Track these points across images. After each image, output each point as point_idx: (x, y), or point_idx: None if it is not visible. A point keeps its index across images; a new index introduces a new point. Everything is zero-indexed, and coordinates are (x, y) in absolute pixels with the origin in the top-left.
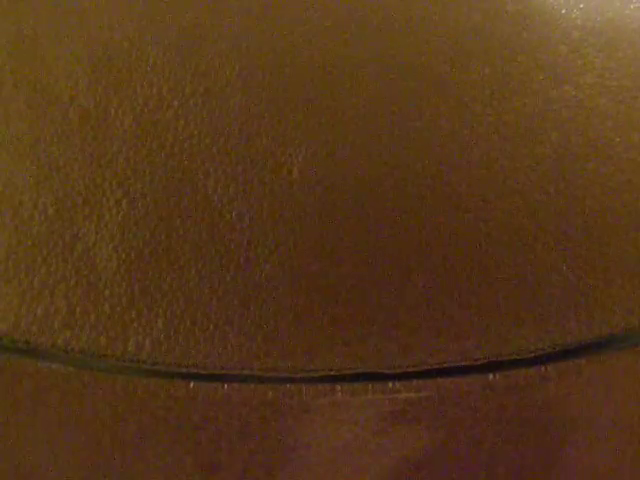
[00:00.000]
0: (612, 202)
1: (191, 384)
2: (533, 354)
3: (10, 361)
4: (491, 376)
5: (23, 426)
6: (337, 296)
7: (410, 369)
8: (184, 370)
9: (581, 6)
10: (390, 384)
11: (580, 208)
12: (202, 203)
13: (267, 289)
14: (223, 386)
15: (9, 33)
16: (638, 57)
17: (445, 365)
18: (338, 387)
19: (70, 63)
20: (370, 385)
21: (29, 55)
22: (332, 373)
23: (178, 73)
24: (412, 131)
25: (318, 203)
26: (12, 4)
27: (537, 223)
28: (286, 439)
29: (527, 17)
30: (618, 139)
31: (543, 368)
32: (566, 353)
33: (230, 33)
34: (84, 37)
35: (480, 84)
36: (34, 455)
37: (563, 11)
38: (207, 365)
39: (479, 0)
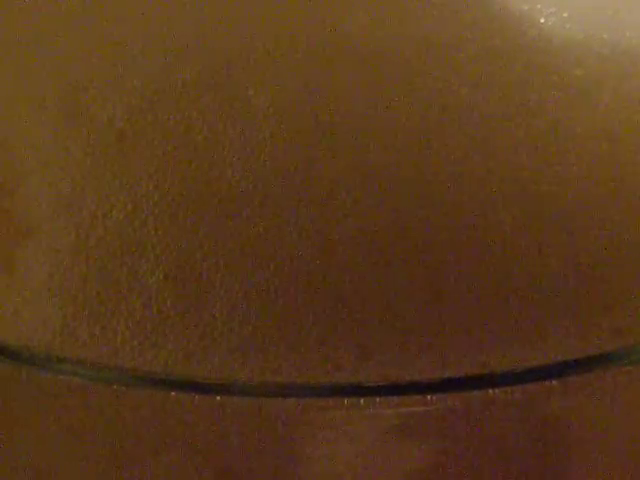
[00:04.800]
0: (624, 221)
1: (206, 397)
2: (538, 368)
3: (29, 372)
4: (497, 391)
5: (42, 434)
6: (347, 312)
7: (416, 383)
8: (200, 382)
9: (592, 33)
10: (396, 398)
11: (593, 224)
12: (234, 226)
13: (281, 305)
14: (236, 398)
15: (52, 60)
16: None
17: (451, 379)
18: (346, 401)
19: (105, 89)
20: (377, 399)
21: (68, 80)
22: (341, 386)
23: (209, 99)
24: (437, 142)
25: (352, 228)
26: (50, 33)
27: (545, 239)
28: (298, 450)
29: (544, 42)
30: (631, 160)
31: (548, 383)
32: (570, 367)
33: (262, 60)
34: (117, 64)
35: (498, 103)
36: (52, 463)
37: (580, 38)
38: (223, 378)
39: (500, 25)
